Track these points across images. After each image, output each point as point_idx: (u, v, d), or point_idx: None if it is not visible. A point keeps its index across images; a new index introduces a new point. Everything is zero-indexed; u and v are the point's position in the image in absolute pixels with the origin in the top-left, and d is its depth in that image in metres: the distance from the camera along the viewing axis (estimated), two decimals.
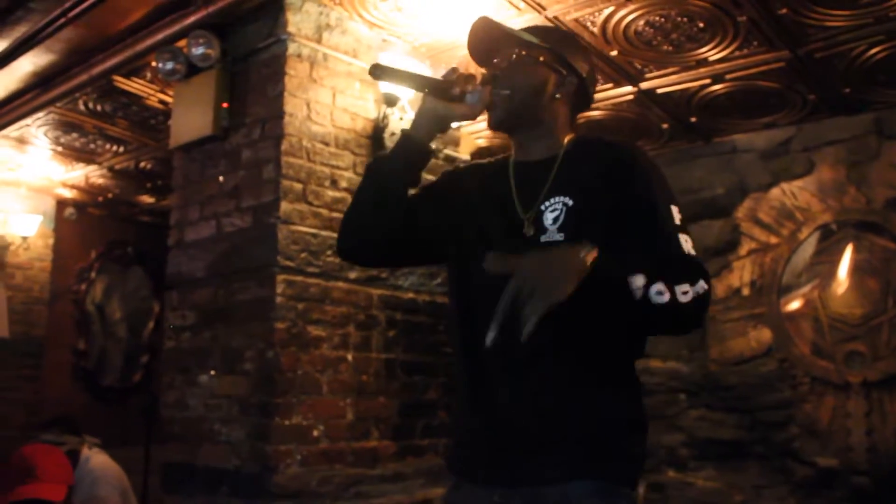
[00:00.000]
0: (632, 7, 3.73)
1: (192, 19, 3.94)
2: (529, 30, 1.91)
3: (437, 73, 1.94)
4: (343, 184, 3.91)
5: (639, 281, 1.55)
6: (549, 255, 1.58)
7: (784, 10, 3.67)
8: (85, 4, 3.95)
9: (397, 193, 1.88)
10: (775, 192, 5.11)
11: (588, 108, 2.03)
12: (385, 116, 4.04)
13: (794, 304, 4.94)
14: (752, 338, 5.09)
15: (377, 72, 1.78)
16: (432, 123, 1.86)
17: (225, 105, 3.95)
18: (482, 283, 1.69)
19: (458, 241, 1.90)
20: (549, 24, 3.84)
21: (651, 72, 4.40)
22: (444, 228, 1.93)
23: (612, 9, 3.74)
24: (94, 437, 4.18)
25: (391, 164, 1.88)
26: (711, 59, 4.19)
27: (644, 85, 4.53)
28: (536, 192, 1.81)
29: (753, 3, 3.62)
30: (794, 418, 4.86)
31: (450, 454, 1.95)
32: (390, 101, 4.01)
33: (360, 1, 3.81)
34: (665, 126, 5.13)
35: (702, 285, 1.60)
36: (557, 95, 1.88)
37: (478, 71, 1.90)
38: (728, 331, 5.19)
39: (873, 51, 4.05)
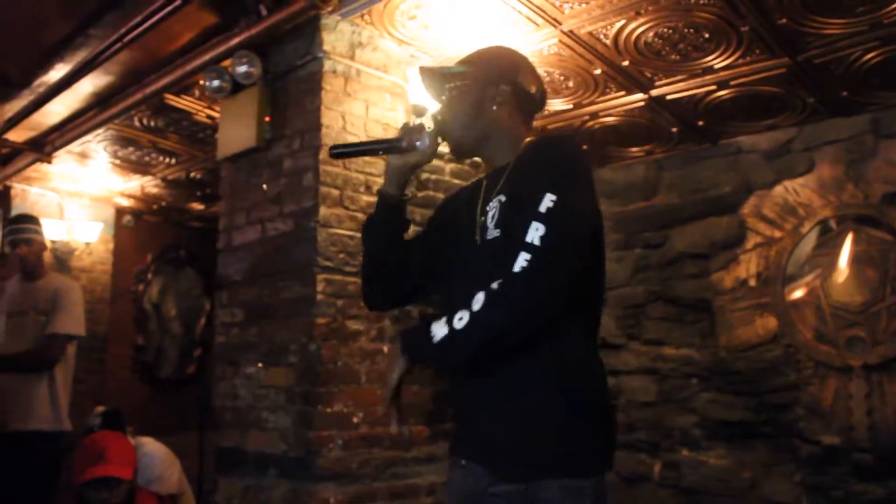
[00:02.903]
0: (642, 20, 3.70)
1: (235, 41, 3.96)
2: (463, 58, 1.96)
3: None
4: (376, 189, 3.90)
5: (439, 323, 1.62)
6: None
7: (784, 20, 3.63)
8: (139, 30, 3.99)
9: (388, 245, 1.98)
10: (778, 189, 5.06)
11: (541, 107, 2.02)
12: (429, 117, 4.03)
13: (798, 294, 4.89)
14: (758, 325, 5.05)
15: (334, 153, 1.92)
16: (397, 177, 1.95)
17: (267, 119, 3.97)
18: (457, 288, 1.77)
19: (448, 257, 1.92)
20: (564, 37, 3.82)
21: (660, 80, 4.36)
22: (440, 256, 1.95)
23: (623, 22, 3.72)
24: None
25: (375, 223, 1.99)
26: (717, 66, 4.15)
27: (654, 92, 4.50)
28: (490, 196, 1.83)
29: (755, 13, 3.58)
30: (799, 400, 4.81)
31: (450, 438, 2.01)
32: (419, 113, 4.00)
33: (390, 20, 3.81)
34: (674, 130, 5.09)
35: (494, 285, 1.56)
36: (494, 107, 1.88)
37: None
38: (736, 319, 5.15)
39: (869, 56, 3.99)
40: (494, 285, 1.55)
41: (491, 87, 1.87)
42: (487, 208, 1.80)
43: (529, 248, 1.54)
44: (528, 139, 1.91)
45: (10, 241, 4.11)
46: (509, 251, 1.58)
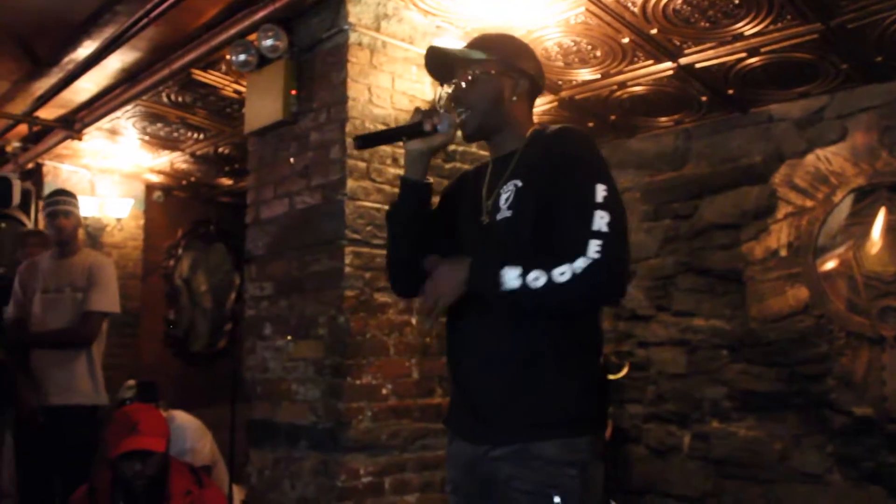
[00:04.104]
0: None
1: (261, 14, 3.96)
2: (476, 43, 1.99)
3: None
4: (402, 161, 3.89)
5: (512, 272, 1.68)
6: (443, 268, 1.80)
7: None
8: (165, 5, 4.01)
9: (413, 233, 2.00)
10: (810, 158, 4.98)
11: (540, 94, 2.11)
12: (441, 98, 4.00)
13: (830, 264, 4.82)
14: (789, 296, 4.99)
15: (360, 144, 1.92)
16: (419, 162, 1.96)
17: (293, 92, 3.97)
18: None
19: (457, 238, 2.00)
20: (591, 5, 3.77)
21: (689, 48, 4.30)
22: (449, 237, 2.01)
23: None
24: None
25: (400, 211, 2.01)
26: (747, 33, 4.08)
27: (683, 60, 4.43)
28: (499, 181, 1.91)
29: None
30: (831, 371, 4.77)
31: (447, 412, 2.09)
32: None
33: None
34: (704, 99, 5.02)
35: (580, 263, 1.65)
36: (514, 98, 1.96)
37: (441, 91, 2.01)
38: (767, 290, 5.09)
39: None
40: (581, 263, 1.65)
41: (511, 79, 1.95)
42: (501, 191, 1.88)
43: (599, 234, 1.67)
44: (532, 127, 1.98)
45: (50, 212, 4.15)
46: (570, 237, 1.70)
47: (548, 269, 1.66)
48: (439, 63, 2.01)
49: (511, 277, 1.68)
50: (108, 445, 3.04)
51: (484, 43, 1.98)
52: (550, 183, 1.79)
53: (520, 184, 1.85)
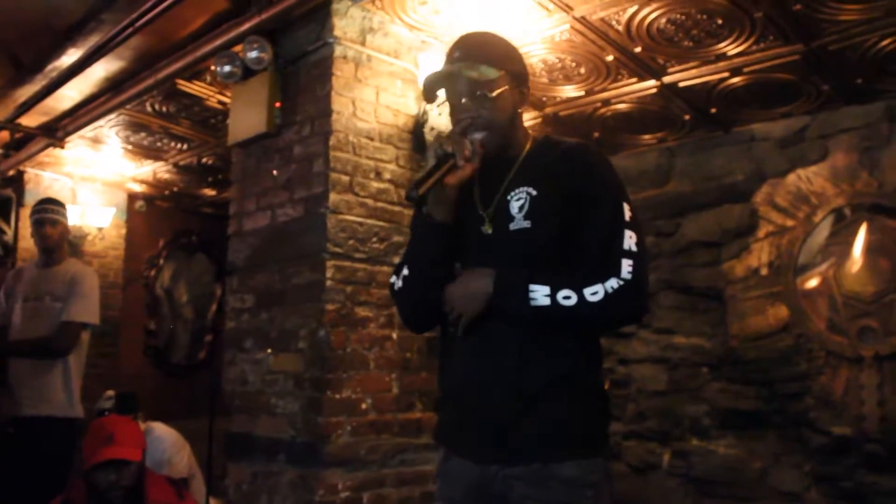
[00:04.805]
0: (654, 6, 3.67)
1: (246, 26, 3.96)
2: (480, 57, 1.85)
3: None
4: (386, 175, 3.91)
5: (541, 289, 1.67)
6: (464, 280, 1.77)
7: (798, 6, 3.60)
8: (151, 14, 4.00)
9: (442, 273, 1.85)
10: (791, 177, 5.02)
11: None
12: (425, 112, 4.03)
13: (810, 283, 4.86)
14: (770, 315, 5.02)
15: (414, 196, 1.74)
16: (450, 200, 1.80)
17: (278, 104, 3.96)
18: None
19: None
20: (576, 23, 3.80)
21: (673, 66, 4.33)
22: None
23: (635, 8, 3.69)
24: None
25: (428, 253, 1.86)
26: (730, 53, 4.12)
27: (667, 79, 4.47)
28: (496, 189, 1.85)
29: None
30: (810, 390, 4.79)
31: (437, 426, 2.03)
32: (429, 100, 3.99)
33: (401, 5, 3.80)
34: (687, 117, 5.06)
35: (612, 283, 1.66)
36: (519, 109, 1.92)
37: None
38: (748, 308, 5.12)
39: (884, 42, 3.94)
40: (614, 283, 1.67)
41: (519, 91, 1.91)
42: (510, 198, 1.82)
43: (629, 254, 1.70)
44: (534, 135, 1.95)
45: (36, 220, 4.12)
46: (600, 255, 1.71)
47: (578, 287, 1.66)
48: (457, 85, 1.87)
49: (541, 294, 1.67)
50: (84, 456, 3.01)
51: (488, 56, 1.86)
52: (571, 197, 1.75)
53: (534, 192, 1.79)
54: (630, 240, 1.70)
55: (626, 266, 1.68)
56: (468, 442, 1.84)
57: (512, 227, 1.79)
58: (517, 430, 1.74)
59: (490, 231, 1.82)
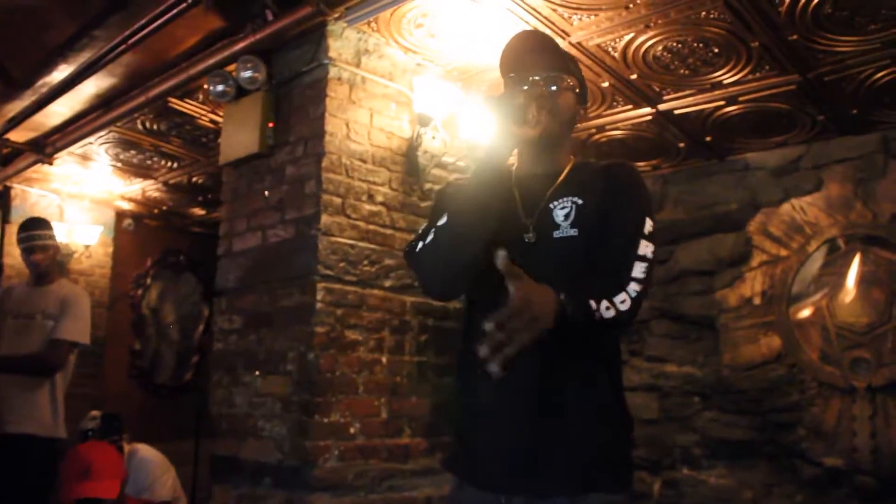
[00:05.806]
0: (651, 33, 3.69)
1: (240, 45, 3.96)
2: (560, 52, 1.91)
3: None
4: (379, 198, 3.90)
5: (593, 305, 1.60)
6: (532, 292, 1.44)
7: (795, 36, 3.62)
8: (143, 32, 3.99)
9: (492, 223, 1.73)
10: (785, 207, 5.05)
11: None
12: (419, 135, 4.03)
13: (803, 313, 4.86)
14: (762, 344, 5.02)
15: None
16: (509, 149, 1.72)
17: (270, 125, 3.96)
18: (484, 288, 1.69)
19: None
20: (572, 49, 3.81)
21: (669, 94, 4.36)
22: None
23: (632, 35, 3.71)
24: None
25: (491, 201, 1.72)
26: (726, 82, 4.14)
27: (662, 106, 4.49)
28: (540, 199, 1.82)
29: (766, 29, 3.57)
30: (802, 420, 4.78)
31: (450, 454, 1.95)
32: (423, 122, 4.00)
33: (396, 27, 3.81)
34: (682, 145, 5.08)
35: (633, 287, 1.68)
36: (576, 120, 1.93)
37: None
38: (740, 338, 5.12)
39: (880, 74, 3.98)
40: (634, 287, 1.69)
41: (581, 103, 1.93)
42: (553, 206, 1.79)
43: (643, 259, 1.72)
44: (572, 158, 1.93)
45: (25, 248, 4.11)
46: (618, 260, 1.72)
47: (609, 296, 1.63)
48: (529, 51, 1.87)
49: (603, 307, 1.60)
50: (62, 484, 2.96)
51: (558, 61, 1.86)
52: (606, 206, 1.77)
53: (580, 201, 1.78)
54: (646, 248, 1.73)
55: (640, 269, 1.70)
56: (485, 472, 1.77)
57: (556, 234, 1.77)
58: (544, 462, 1.69)
59: (533, 239, 1.79)
